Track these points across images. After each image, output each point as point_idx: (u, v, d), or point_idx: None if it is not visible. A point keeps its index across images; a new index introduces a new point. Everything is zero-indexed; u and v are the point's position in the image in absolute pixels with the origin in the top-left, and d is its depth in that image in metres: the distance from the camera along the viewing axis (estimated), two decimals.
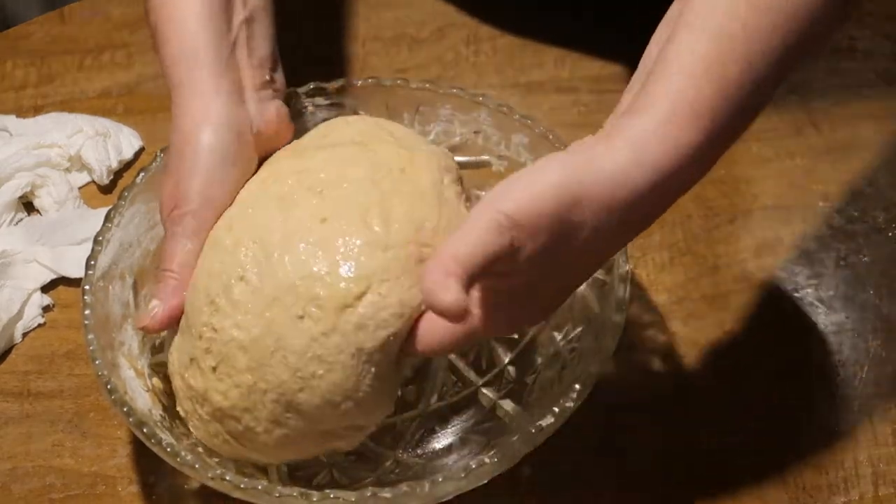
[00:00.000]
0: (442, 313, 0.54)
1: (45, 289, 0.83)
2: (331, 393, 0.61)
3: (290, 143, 0.71)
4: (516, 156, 0.76)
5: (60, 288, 0.83)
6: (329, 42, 0.98)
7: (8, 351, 0.80)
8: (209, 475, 0.62)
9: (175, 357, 0.67)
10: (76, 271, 0.82)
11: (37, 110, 0.94)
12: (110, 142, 0.89)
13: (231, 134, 0.67)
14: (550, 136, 0.74)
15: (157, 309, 0.65)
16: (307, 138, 0.71)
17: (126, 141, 0.90)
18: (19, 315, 0.81)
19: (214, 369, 0.63)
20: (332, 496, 0.61)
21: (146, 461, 0.74)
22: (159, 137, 0.91)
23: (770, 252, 0.83)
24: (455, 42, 0.98)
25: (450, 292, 0.53)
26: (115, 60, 0.97)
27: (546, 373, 0.72)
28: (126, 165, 0.90)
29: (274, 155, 0.70)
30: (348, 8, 1.01)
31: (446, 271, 0.54)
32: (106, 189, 0.89)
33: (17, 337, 0.80)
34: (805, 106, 0.92)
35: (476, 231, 0.55)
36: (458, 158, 0.76)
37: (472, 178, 0.77)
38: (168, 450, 0.63)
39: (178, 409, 0.67)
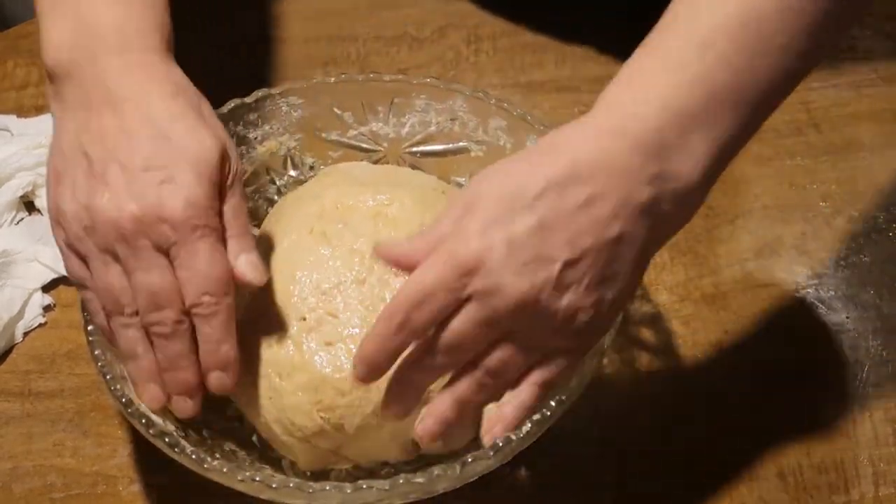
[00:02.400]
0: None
1: (46, 288, 0.83)
2: None
3: None
4: (495, 140, 0.77)
5: (61, 287, 0.83)
6: (329, 41, 0.98)
7: (9, 350, 0.80)
8: (225, 470, 0.63)
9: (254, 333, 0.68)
10: None
11: (38, 110, 0.93)
12: None
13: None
14: (528, 118, 0.75)
15: (260, 267, 0.65)
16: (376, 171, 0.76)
17: None
18: (20, 315, 0.81)
19: (329, 344, 0.67)
20: (364, 486, 0.61)
21: (147, 460, 0.74)
22: None
23: (770, 252, 0.83)
24: (455, 42, 0.98)
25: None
26: None
27: None
28: None
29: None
30: (349, 7, 1.01)
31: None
32: None
33: (18, 336, 0.80)
34: (805, 106, 0.92)
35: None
36: (436, 147, 0.77)
37: (451, 166, 0.79)
38: (167, 440, 0.64)
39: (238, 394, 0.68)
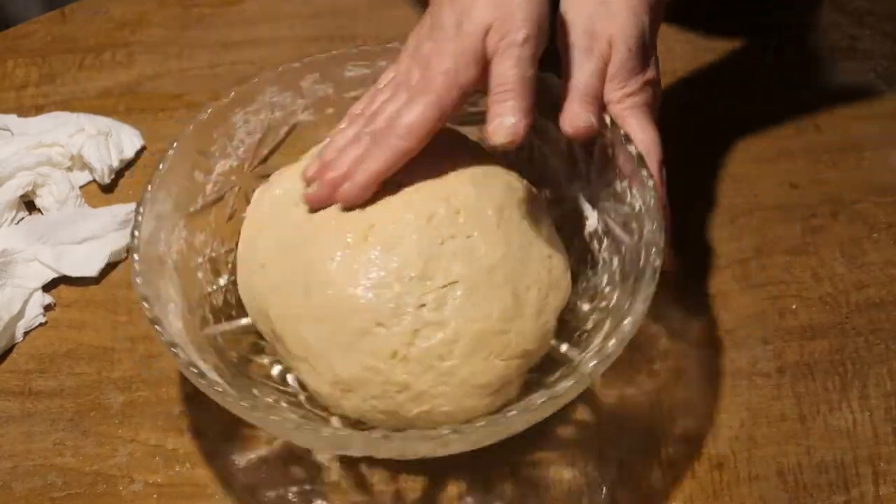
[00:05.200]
0: (579, 135, 0.72)
1: (46, 288, 0.83)
2: None
3: None
4: None
5: (61, 287, 0.83)
6: (328, 41, 0.98)
7: (9, 350, 0.80)
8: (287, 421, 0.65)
9: (357, 359, 0.68)
10: (77, 270, 0.83)
11: (38, 109, 0.94)
12: (111, 141, 0.89)
13: None
14: None
15: (519, 123, 0.69)
16: None
17: (127, 140, 0.90)
18: (20, 314, 0.81)
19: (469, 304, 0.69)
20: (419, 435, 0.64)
21: (147, 460, 0.74)
22: (160, 136, 0.92)
23: (770, 252, 0.83)
24: None
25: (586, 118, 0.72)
26: (117, 59, 0.98)
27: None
28: (127, 165, 0.90)
29: None
30: (348, 7, 1.01)
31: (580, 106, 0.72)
32: (107, 188, 0.89)
33: (19, 336, 0.80)
34: (805, 105, 0.92)
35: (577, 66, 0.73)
36: None
37: None
38: (217, 389, 0.65)
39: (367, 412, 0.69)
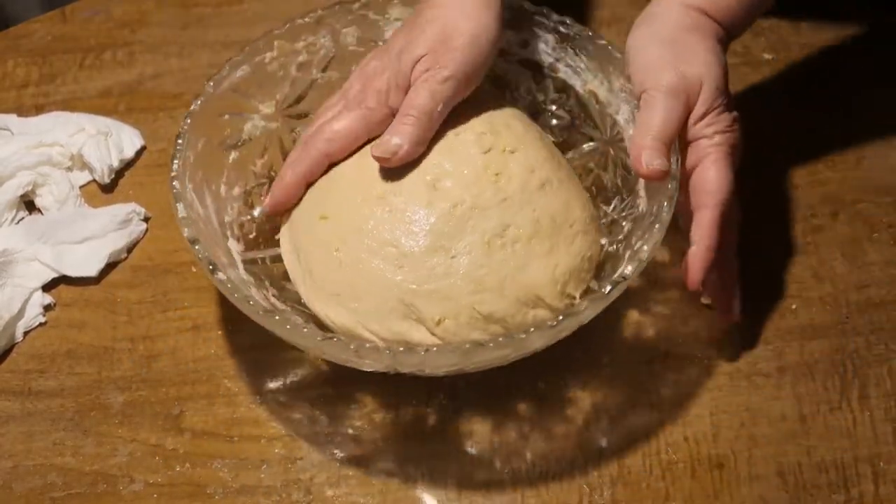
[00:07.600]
0: (652, 177, 0.72)
1: (46, 288, 0.83)
2: None
3: None
4: None
5: (61, 287, 0.83)
6: None
7: (9, 350, 0.80)
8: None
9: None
10: (77, 270, 0.83)
11: (38, 109, 0.94)
12: (111, 141, 0.89)
13: (491, 40, 0.76)
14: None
15: (403, 147, 0.73)
16: None
17: (127, 140, 0.90)
18: (20, 314, 0.81)
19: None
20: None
21: (147, 460, 0.74)
22: (160, 136, 0.92)
23: (770, 252, 0.83)
24: None
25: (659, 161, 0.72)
26: (117, 59, 0.98)
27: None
28: (127, 164, 0.90)
29: None
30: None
31: (652, 149, 0.72)
32: (107, 188, 0.89)
33: (18, 336, 0.80)
34: (805, 106, 0.92)
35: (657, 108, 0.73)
36: None
37: None
38: (250, 302, 0.69)
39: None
